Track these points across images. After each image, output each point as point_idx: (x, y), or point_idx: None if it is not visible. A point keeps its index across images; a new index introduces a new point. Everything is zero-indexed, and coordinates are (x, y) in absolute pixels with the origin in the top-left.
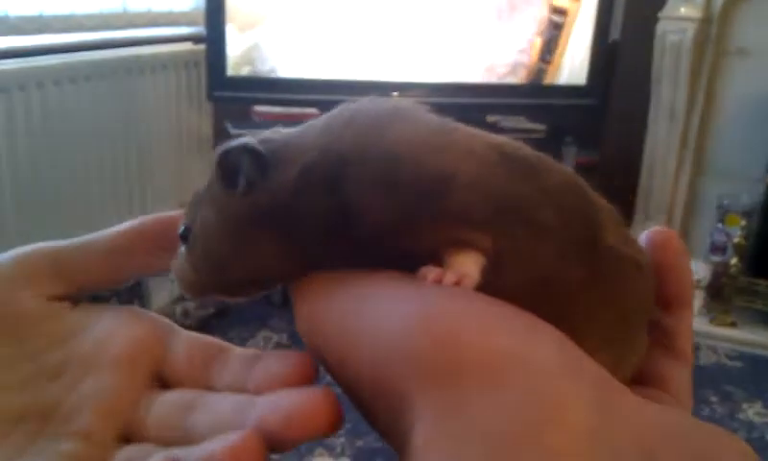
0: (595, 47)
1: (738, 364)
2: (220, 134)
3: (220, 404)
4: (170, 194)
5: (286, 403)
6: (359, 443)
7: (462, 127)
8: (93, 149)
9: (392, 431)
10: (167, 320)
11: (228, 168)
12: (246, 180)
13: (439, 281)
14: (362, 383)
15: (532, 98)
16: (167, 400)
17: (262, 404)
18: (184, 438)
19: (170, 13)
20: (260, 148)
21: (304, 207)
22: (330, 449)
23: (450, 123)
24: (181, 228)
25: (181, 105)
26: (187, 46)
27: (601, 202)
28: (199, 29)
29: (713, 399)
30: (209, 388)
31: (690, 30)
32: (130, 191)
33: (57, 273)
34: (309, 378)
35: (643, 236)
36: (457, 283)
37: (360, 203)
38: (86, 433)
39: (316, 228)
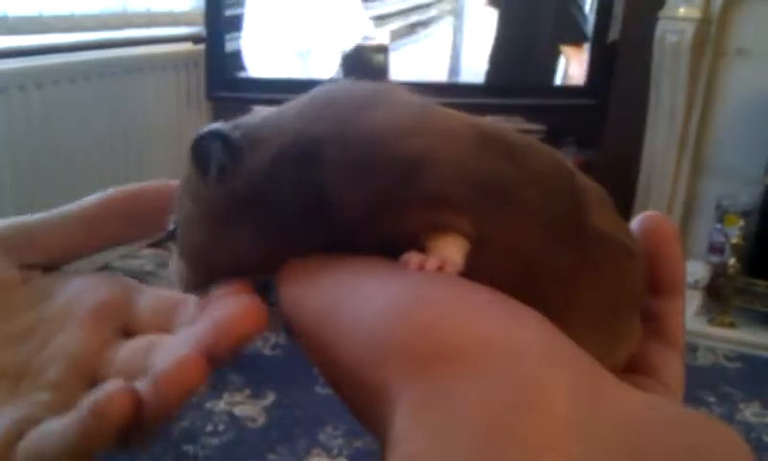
0: (594, 47)
1: (737, 365)
2: None
3: (174, 339)
4: None
5: (216, 315)
6: (357, 444)
7: (442, 108)
8: (92, 148)
9: (373, 420)
10: (134, 281)
11: (200, 156)
12: (218, 166)
13: (421, 268)
14: (343, 372)
15: (531, 98)
16: (129, 346)
17: (199, 323)
18: (144, 375)
19: (169, 14)
20: (231, 133)
21: (280, 191)
22: (328, 450)
23: (431, 105)
24: (171, 226)
25: (181, 105)
26: (187, 46)
27: (588, 184)
28: (198, 29)
29: (711, 399)
30: (171, 332)
31: (689, 30)
32: None
33: (29, 243)
34: (258, 319)
35: (635, 222)
36: (440, 269)
37: (336, 186)
38: (57, 383)
39: (293, 212)
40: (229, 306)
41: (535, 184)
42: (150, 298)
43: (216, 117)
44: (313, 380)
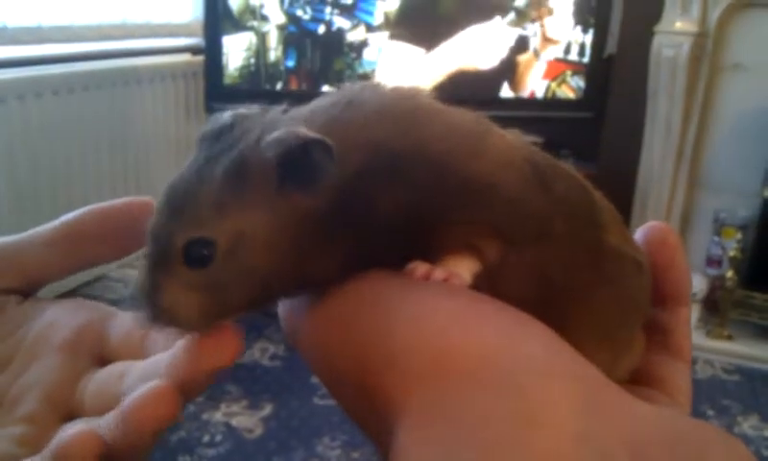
0: (592, 61)
1: (735, 378)
2: None
3: (144, 366)
4: None
5: (189, 344)
6: (354, 455)
7: (495, 129)
8: (91, 159)
9: (375, 429)
10: (109, 307)
11: (292, 163)
12: (322, 176)
13: (427, 278)
14: (345, 380)
15: (528, 110)
16: (102, 375)
17: (174, 348)
18: (117, 404)
19: (168, 25)
20: (329, 142)
21: (362, 206)
22: None
23: (484, 121)
24: (195, 249)
25: (179, 115)
26: (185, 57)
27: (603, 202)
28: (197, 40)
29: (710, 412)
30: (146, 357)
31: (686, 44)
32: None
33: (6, 266)
34: (236, 346)
35: (639, 232)
36: (446, 280)
37: (413, 202)
38: (31, 417)
39: (375, 227)
40: (204, 335)
41: (563, 214)
42: (123, 323)
43: None
44: (311, 391)
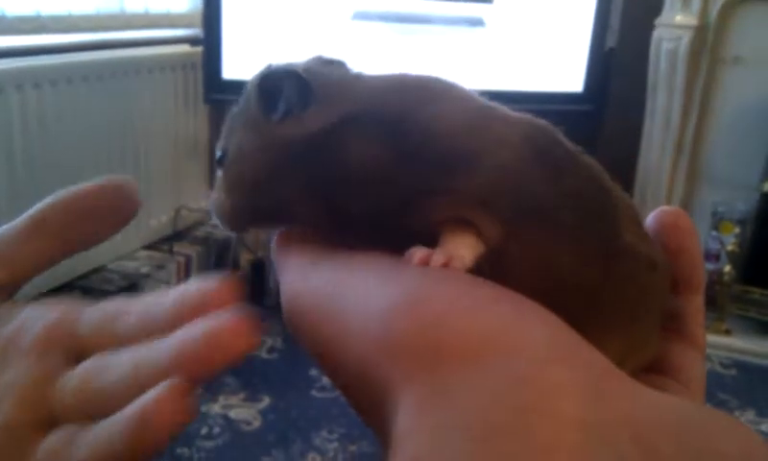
0: (592, 54)
1: (732, 372)
2: (216, 137)
3: (126, 357)
4: (166, 196)
5: (203, 327)
6: (352, 448)
7: (503, 113)
8: (89, 150)
9: (375, 417)
10: (81, 302)
11: (268, 90)
12: (286, 106)
13: (426, 263)
14: (345, 368)
15: (528, 104)
16: (77, 373)
17: (177, 338)
18: (102, 403)
19: (167, 15)
20: (306, 75)
21: (336, 156)
22: (323, 454)
23: (492, 107)
24: (218, 153)
25: (178, 107)
26: (184, 48)
27: (621, 196)
28: (196, 31)
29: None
30: (121, 345)
31: (686, 38)
32: None
33: None
34: (252, 336)
35: (651, 217)
36: (445, 265)
37: (385, 166)
38: (6, 425)
39: (341, 179)
40: (219, 320)
41: (572, 206)
42: (93, 314)
43: (214, 119)
44: (309, 384)
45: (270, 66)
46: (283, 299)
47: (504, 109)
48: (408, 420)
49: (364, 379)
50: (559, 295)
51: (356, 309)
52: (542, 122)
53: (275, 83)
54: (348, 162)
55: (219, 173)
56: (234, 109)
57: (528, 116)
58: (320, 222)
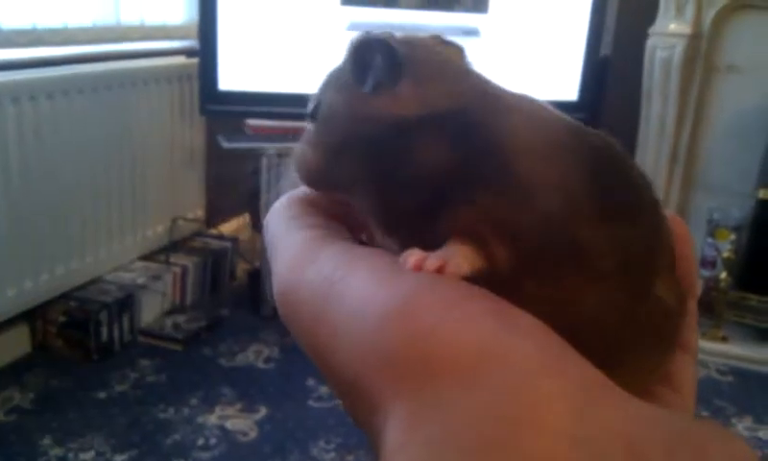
0: (587, 63)
1: (729, 379)
2: (212, 148)
3: None
4: (163, 207)
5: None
6: (349, 458)
7: (579, 135)
8: (86, 161)
9: (367, 425)
10: None
11: (361, 61)
12: (374, 80)
13: (419, 268)
14: (338, 371)
15: None
16: None
17: None
18: None
19: (163, 27)
20: (398, 50)
21: (405, 151)
22: None
23: (577, 131)
24: (311, 105)
25: (174, 118)
26: (180, 60)
27: (667, 237)
28: (192, 42)
29: (704, 413)
30: None
31: (680, 46)
32: (122, 204)
33: None
34: None
35: None
36: (439, 269)
37: (446, 171)
38: None
39: (400, 175)
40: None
41: (617, 255)
42: None
43: (210, 130)
44: (305, 394)
45: (368, 32)
46: (276, 286)
47: (583, 130)
48: (399, 434)
49: (356, 385)
50: (568, 332)
51: (351, 313)
52: (618, 151)
53: (368, 54)
54: (416, 161)
55: (308, 126)
56: (336, 66)
57: (605, 140)
58: (366, 207)
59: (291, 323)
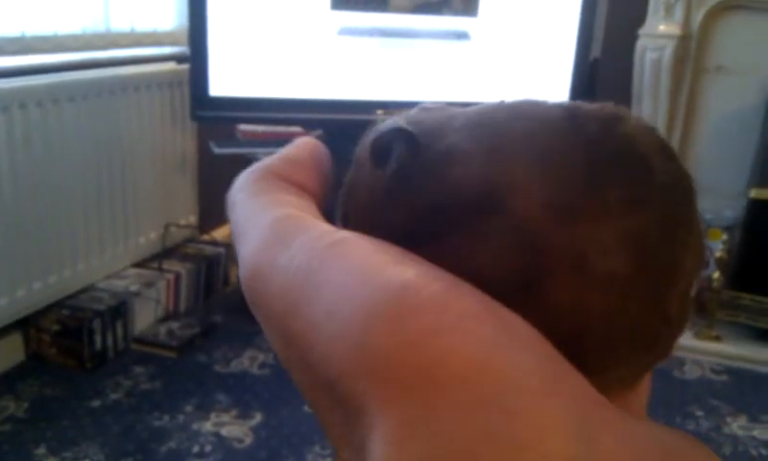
0: (577, 65)
1: (723, 378)
2: (204, 154)
3: None
4: (155, 213)
5: None
6: None
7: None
8: (77, 169)
9: (347, 437)
10: None
11: (380, 150)
12: (397, 162)
13: None
14: (313, 372)
15: None
16: None
17: None
18: None
19: (153, 33)
20: (411, 129)
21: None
22: None
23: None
24: (340, 215)
25: (165, 124)
26: (170, 66)
27: (699, 247)
28: (182, 48)
29: (699, 413)
30: None
31: (670, 47)
32: (114, 211)
33: None
34: None
35: None
36: None
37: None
38: None
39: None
40: None
41: (630, 252)
42: None
43: (202, 136)
44: (301, 400)
45: (377, 128)
46: (243, 271)
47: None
48: (387, 449)
49: (335, 389)
50: (570, 345)
51: (331, 308)
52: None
53: (385, 142)
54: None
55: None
56: (346, 178)
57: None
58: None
59: (259, 312)
